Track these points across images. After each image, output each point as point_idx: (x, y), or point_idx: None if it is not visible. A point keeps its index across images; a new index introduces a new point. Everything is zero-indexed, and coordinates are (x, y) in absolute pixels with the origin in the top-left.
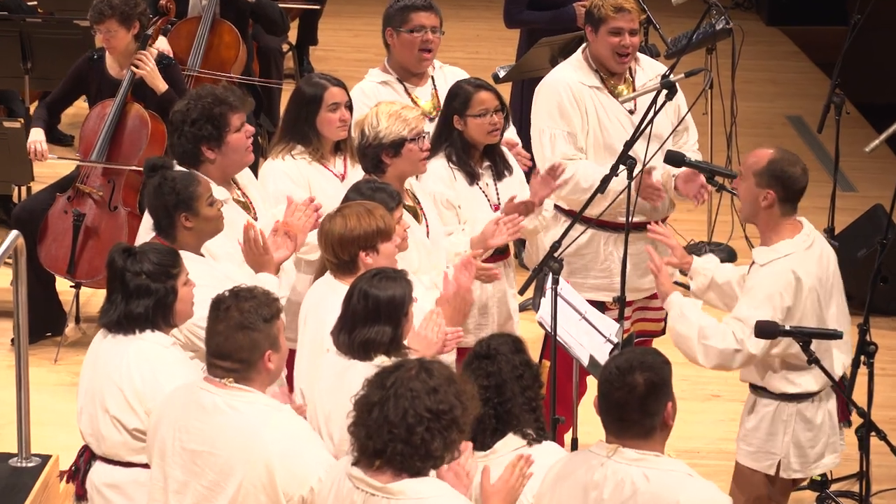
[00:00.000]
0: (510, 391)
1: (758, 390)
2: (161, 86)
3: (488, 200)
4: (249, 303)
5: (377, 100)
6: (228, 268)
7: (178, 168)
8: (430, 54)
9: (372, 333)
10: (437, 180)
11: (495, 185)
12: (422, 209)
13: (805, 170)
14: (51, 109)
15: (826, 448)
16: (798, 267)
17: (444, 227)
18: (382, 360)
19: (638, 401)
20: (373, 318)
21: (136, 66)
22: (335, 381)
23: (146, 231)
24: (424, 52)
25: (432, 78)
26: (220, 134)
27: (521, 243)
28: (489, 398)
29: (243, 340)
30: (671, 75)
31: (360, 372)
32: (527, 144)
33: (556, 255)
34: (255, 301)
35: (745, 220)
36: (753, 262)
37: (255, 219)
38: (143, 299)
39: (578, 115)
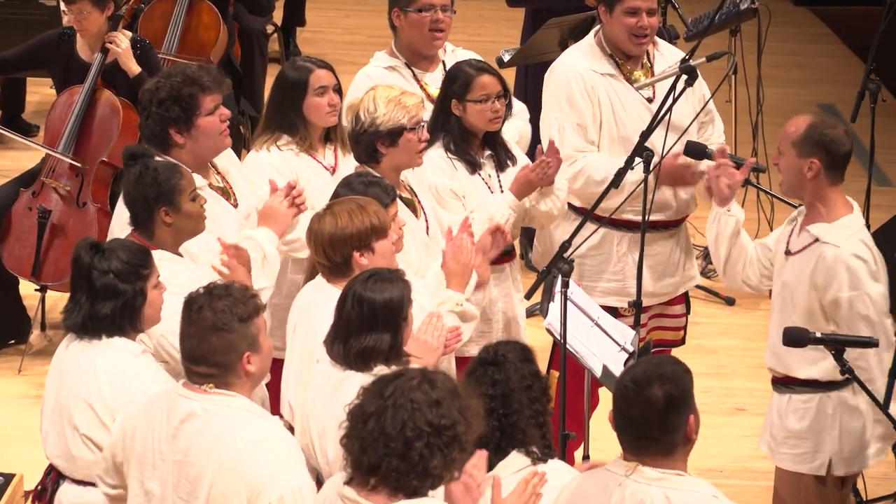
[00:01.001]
0: (517, 403)
1: (789, 386)
2: (134, 68)
3: (491, 192)
4: (223, 301)
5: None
6: (205, 272)
7: (161, 158)
8: (442, 35)
9: (369, 341)
10: (436, 171)
11: (498, 175)
12: (419, 202)
13: (847, 132)
14: None
15: (872, 436)
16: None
17: (453, 216)
18: (381, 371)
19: (657, 416)
20: (369, 324)
21: (110, 44)
22: (330, 393)
23: (120, 226)
24: (435, 32)
25: (443, 63)
26: (188, 117)
27: (528, 243)
28: (494, 409)
29: (218, 343)
30: (691, 59)
31: (358, 384)
32: (534, 134)
33: (565, 255)
34: (230, 299)
35: (791, 195)
36: (815, 241)
37: (235, 205)
38: (110, 300)
39: (590, 106)
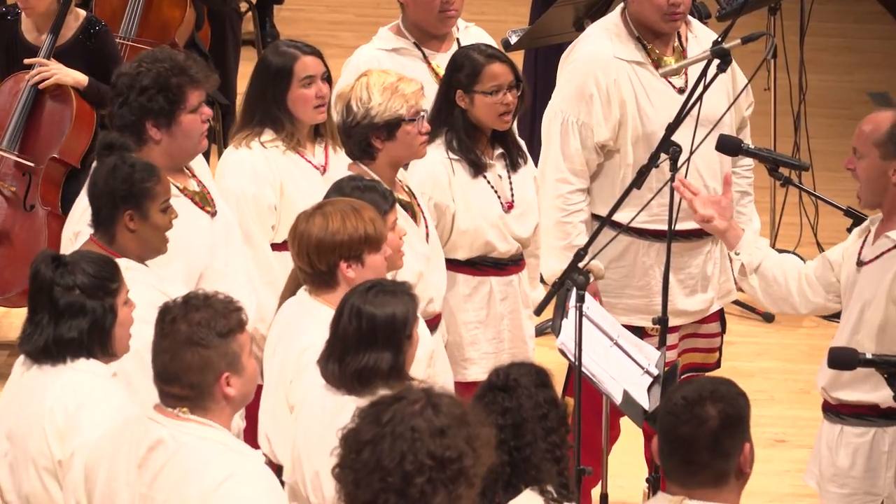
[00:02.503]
0: (531, 434)
1: (842, 416)
2: (81, 79)
3: (499, 198)
4: (202, 313)
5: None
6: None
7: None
8: (454, 13)
9: (368, 360)
10: (424, 178)
11: (509, 177)
12: (419, 206)
13: None
14: None
15: None
16: None
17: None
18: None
19: (710, 437)
20: (368, 341)
21: (38, 79)
22: (326, 421)
23: (76, 223)
24: (447, 11)
25: (458, 41)
26: (172, 110)
27: None
28: (504, 440)
29: (192, 359)
30: (724, 42)
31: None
32: (538, 123)
33: (581, 265)
34: (210, 311)
35: (870, 205)
36: (895, 247)
37: (214, 213)
38: (77, 320)
39: (608, 105)
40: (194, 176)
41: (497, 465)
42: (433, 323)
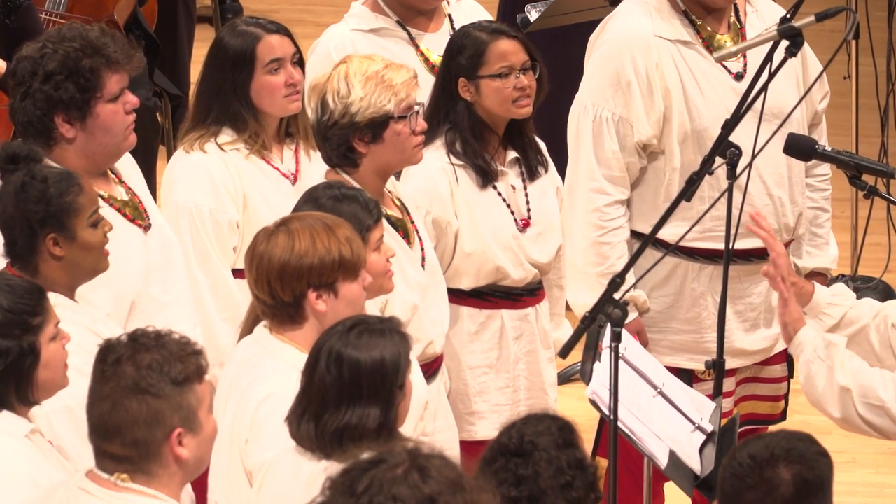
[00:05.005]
0: None
1: None
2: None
3: (512, 213)
4: (152, 355)
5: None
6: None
7: (51, 164)
8: None
9: (352, 418)
10: (421, 189)
11: (525, 188)
12: (413, 223)
13: None
14: None
15: None
16: None
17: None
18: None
19: None
20: (352, 394)
21: None
22: (298, 492)
23: None
24: None
25: (449, 18)
26: (86, 99)
27: None
28: None
29: (139, 411)
30: (794, 18)
31: None
32: (552, 126)
33: (617, 296)
34: (163, 353)
35: None
36: None
37: (147, 227)
38: None
39: (649, 94)
40: (121, 182)
41: None
42: (433, 368)
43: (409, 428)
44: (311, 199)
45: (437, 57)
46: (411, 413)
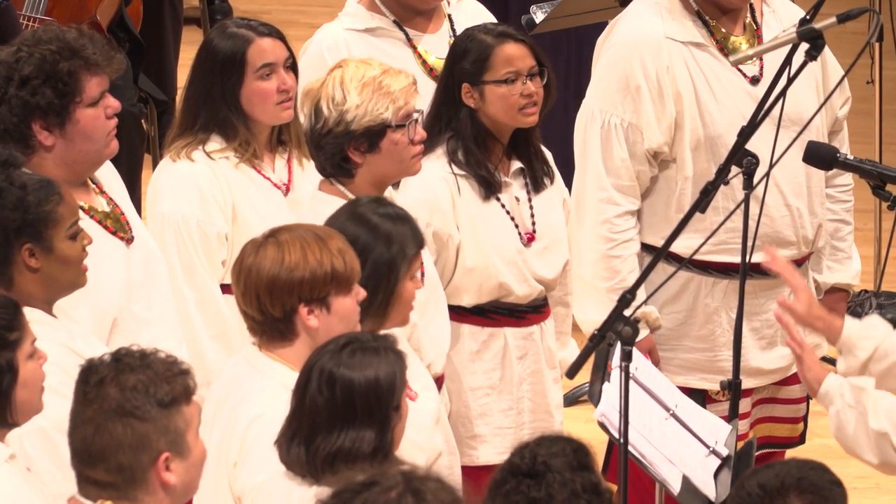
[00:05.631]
0: None
1: None
2: None
3: (516, 226)
4: (137, 375)
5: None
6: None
7: (28, 171)
8: None
9: (344, 441)
10: (420, 200)
11: (529, 198)
12: None
13: None
14: None
15: None
16: None
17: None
18: None
19: None
20: (344, 416)
21: None
22: None
23: None
24: None
25: (449, 18)
26: (64, 105)
27: None
28: None
29: (123, 435)
30: (814, 19)
31: None
32: (557, 134)
33: (628, 312)
34: (149, 372)
35: None
36: None
37: (130, 240)
38: None
39: (660, 99)
40: (102, 192)
41: None
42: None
43: (432, 443)
44: (355, 216)
45: (435, 59)
46: (424, 428)
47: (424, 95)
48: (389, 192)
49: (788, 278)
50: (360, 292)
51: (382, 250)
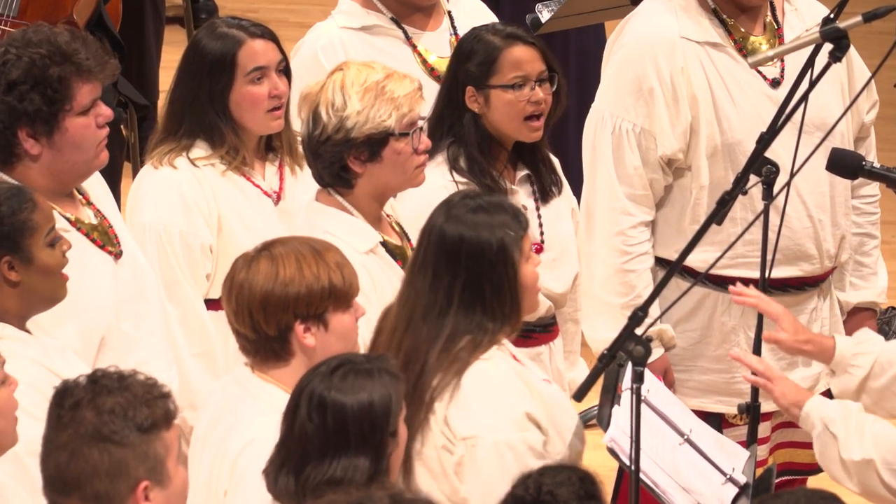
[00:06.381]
0: None
1: None
2: None
3: None
4: (115, 398)
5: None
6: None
7: (5, 178)
8: None
9: (337, 470)
10: (421, 210)
11: (537, 209)
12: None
13: None
14: None
15: None
16: None
17: None
18: None
19: None
20: (336, 443)
21: None
22: None
23: None
24: None
25: (449, 15)
26: (53, 113)
27: None
28: None
29: (100, 461)
30: (838, 18)
31: None
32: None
33: (640, 331)
34: (127, 396)
35: None
36: None
37: (118, 255)
38: None
39: (674, 103)
40: (89, 203)
41: None
42: None
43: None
44: (451, 218)
45: (435, 58)
46: None
47: (425, 96)
48: (391, 205)
49: (765, 308)
50: (360, 309)
51: (490, 243)
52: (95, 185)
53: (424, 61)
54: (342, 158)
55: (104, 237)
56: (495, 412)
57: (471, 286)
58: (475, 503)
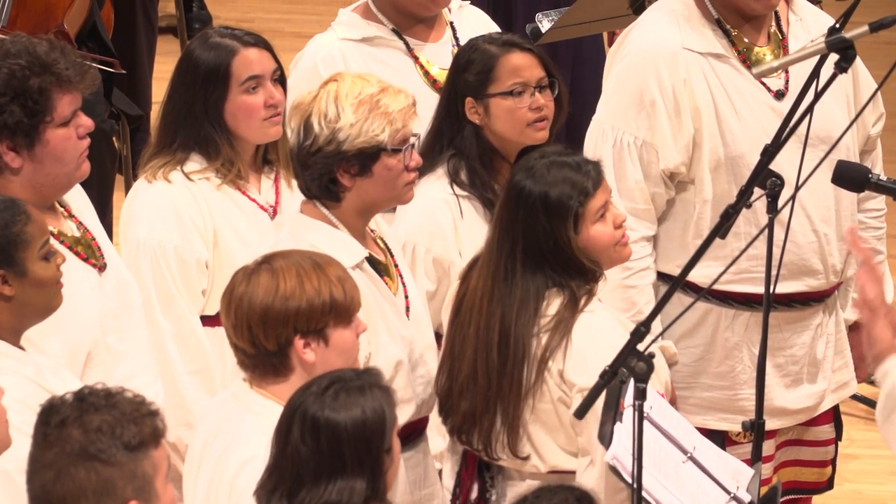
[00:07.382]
0: None
1: None
2: None
3: None
4: (102, 416)
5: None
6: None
7: None
8: None
9: (332, 493)
10: (419, 223)
11: None
12: (397, 267)
13: None
14: None
15: None
16: None
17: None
18: None
19: None
20: (331, 464)
21: None
22: None
23: None
24: None
25: (451, 26)
26: (33, 125)
27: None
28: None
29: (86, 480)
30: (844, 28)
31: None
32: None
33: (642, 347)
34: (115, 413)
35: None
36: None
37: (102, 268)
38: None
39: (679, 114)
40: (72, 216)
41: None
42: (418, 429)
43: None
44: (527, 170)
45: (438, 70)
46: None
47: (427, 108)
48: (375, 220)
49: (873, 265)
50: (361, 325)
51: (548, 202)
52: (76, 197)
53: (427, 73)
54: (332, 171)
55: (87, 250)
56: (609, 360)
57: (529, 242)
58: (594, 451)
